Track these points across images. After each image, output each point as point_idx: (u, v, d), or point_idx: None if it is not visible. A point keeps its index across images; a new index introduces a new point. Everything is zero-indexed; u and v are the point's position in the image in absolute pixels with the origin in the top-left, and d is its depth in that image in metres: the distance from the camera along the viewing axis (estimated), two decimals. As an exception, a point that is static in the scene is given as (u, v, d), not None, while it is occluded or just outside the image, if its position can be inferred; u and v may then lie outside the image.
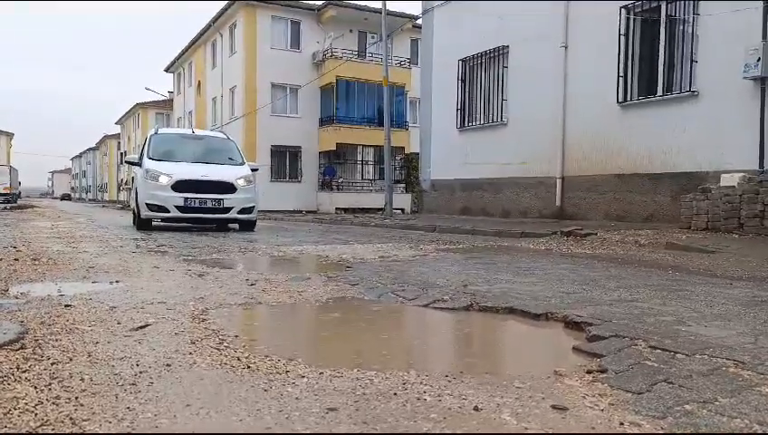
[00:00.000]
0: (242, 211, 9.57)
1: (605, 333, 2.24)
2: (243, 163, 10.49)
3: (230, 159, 10.51)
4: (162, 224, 10.29)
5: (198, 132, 12.25)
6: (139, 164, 10.15)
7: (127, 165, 11.69)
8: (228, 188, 9.49)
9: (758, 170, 7.61)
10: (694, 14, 8.67)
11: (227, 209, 9.45)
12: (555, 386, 1.68)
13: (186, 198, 9.20)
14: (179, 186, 9.23)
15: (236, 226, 10.09)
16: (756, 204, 6.88)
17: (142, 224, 9.63)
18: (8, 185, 41.27)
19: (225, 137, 11.50)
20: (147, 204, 9.29)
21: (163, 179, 9.27)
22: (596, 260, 5.18)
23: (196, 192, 9.28)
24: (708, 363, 1.85)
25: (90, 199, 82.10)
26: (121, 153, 61.10)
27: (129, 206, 40.29)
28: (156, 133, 10.86)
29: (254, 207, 9.81)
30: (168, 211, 9.21)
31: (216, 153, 10.60)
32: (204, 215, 9.47)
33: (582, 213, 10.49)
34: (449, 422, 1.40)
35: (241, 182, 9.64)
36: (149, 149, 10.16)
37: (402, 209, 21.77)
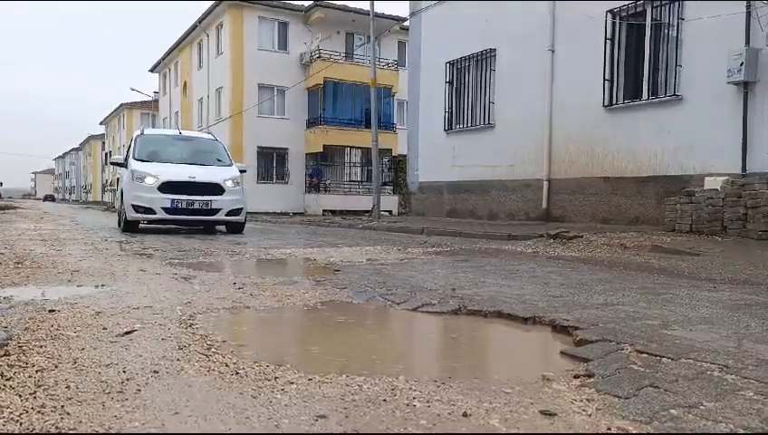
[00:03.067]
0: (230, 213, 9.39)
1: (592, 338, 2.26)
2: (231, 164, 10.32)
3: (218, 160, 10.33)
4: (148, 226, 10.15)
5: (185, 133, 12.02)
6: (124, 165, 9.95)
7: (113, 166, 11.13)
8: (216, 189, 9.32)
9: (741, 174, 7.72)
10: (678, 18, 8.78)
11: (215, 211, 9.26)
12: (543, 391, 1.69)
13: (172, 200, 8.99)
14: (166, 187, 9.03)
15: (224, 228, 9.95)
16: (739, 207, 6.98)
17: (128, 226, 9.38)
18: (-10, 186, 40.70)
19: (212, 138, 11.34)
20: (133, 205, 9.06)
21: (149, 180, 9.07)
22: (582, 263, 5.22)
23: (184, 194, 9.07)
24: (693, 367, 1.87)
25: (73, 200, 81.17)
26: (106, 154, 60.48)
27: (113, 208, 39.88)
28: (142, 134, 10.66)
29: (242, 208, 9.64)
30: (155, 213, 9.00)
31: (203, 154, 10.39)
32: (191, 217, 9.25)
33: (569, 215, 10.57)
34: (439, 429, 1.40)
35: (229, 184, 9.46)
36: (135, 149, 9.95)
37: (390, 211, 21.78)
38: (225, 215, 9.37)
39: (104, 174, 61.11)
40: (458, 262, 5.24)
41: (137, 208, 9.06)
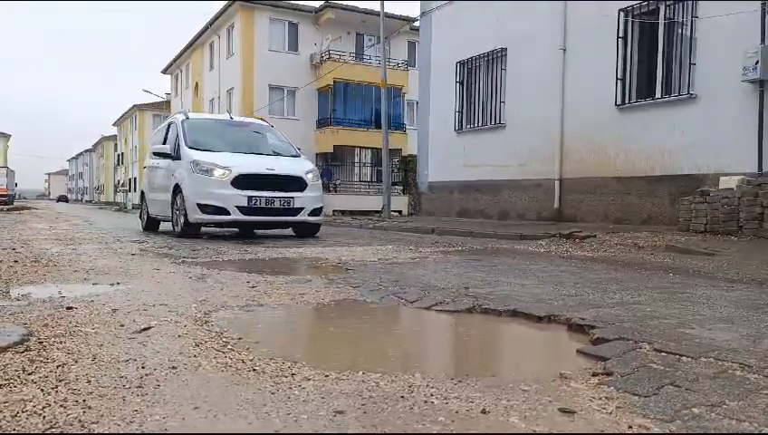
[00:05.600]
0: (312, 213, 7.98)
1: (609, 336, 2.24)
2: (299, 155, 8.84)
3: (282, 149, 8.85)
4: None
5: (237, 118, 10.09)
6: (171, 156, 8.37)
7: (154, 156, 9.06)
8: (298, 184, 7.88)
9: (756, 173, 7.64)
10: (692, 16, 8.70)
11: (297, 211, 7.79)
12: (561, 389, 1.68)
13: (250, 197, 7.46)
14: (241, 181, 7.49)
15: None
16: (755, 206, 6.90)
17: (188, 229, 7.77)
18: (5, 187, 41.31)
19: (267, 124, 9.83)
20: (199, 205, 7.45)
21: (218, 173, 7.50)
22: (596, 262, 5.19)
23: (261, 189, 7.57)
24: (714, 366, 1.85)
25: (86, 201, 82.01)
26: (118, 155, 61.02)
27: (125, 208, 39.64)
28: (187, 118, 8.87)
29: (322, 207, 8.33)
30: (228, 213, 7.45)
31: (264, 143, 8.87)
32: (270, 218, 7.76)
33: (581, 215, 10.51)
34: (458, 425, 1.40)
35: (310, 177, 8.06)
36: (186, 136, 8.27)
37: (400, 211, 21.77)
38: (308, 215, 7.93)
39: (116, 175, 61.63)
40: (470, 261, 5.23)
41: (204, 208, 7.46)
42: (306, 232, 8.37)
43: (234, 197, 7.42)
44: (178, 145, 8.26)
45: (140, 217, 10.66)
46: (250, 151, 8.35)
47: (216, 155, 7.89)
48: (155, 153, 8.94)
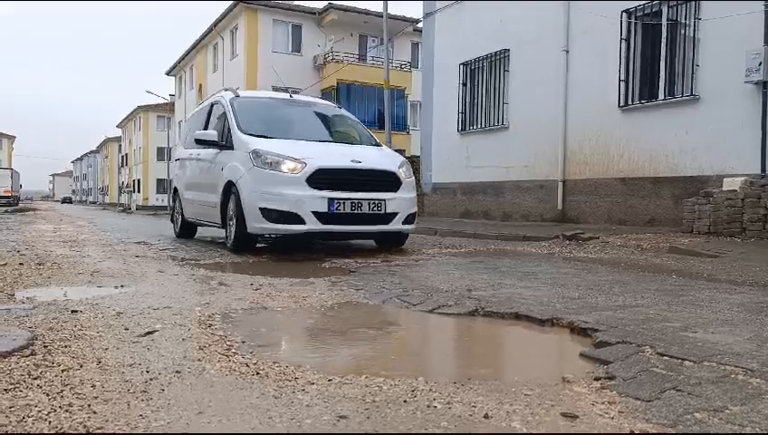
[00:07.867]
0: (407, 219, 6.17)
1: (612, 340, 2.25)
2: (380, 144, 7.15)
3: (360, 137, 7.13)
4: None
5: (298, 97, 7.98)
6: (219, 144, 6.54)
7: (198, 145, 7.01)
8: (391, 181, 6.09)
9: (760, 174, 7.61)
10: (695, 18, 8.68)
11: (389, 217, 5.95)
12: (564, 393, 1.68)
13: (331, 200, 5.60)
14: (319, 178, 5.62)
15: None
16: (759, 208, 6.89)
17: (243, 241, 5.96)
18: (9, 188, 41.48)
19: (335, 105, 8.10)
20: (261, 209, 5.62)
21: (288, 167, 5.65)
22: (599, 264, 5.18)
23: (344, 189, 5.72)
24: (717, 371, 1.85)
25: (90, 202, 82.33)
26: (122, 156, 61.21)
27: (129, 209, 39.45)
28: (238, 97, 6.99)
29: (416, 212, 6.45)
30: (303, 222, 5.55)
31: (337, 129, 7.24)
32: (356, 227, 5.89)
33: (584, 216, 10.49)
34: (460, 430, 1.40)
35: (403, 173, 6.24)
36: (237, 119, 6.44)
37: (403, 212, 21.77)
38: (402, 222, 6.10)
39: (120, 176, 61.83)
40: (473, 263, 5.23)
41: (268, 214, 5.61)
42: (392, 243, 6.62)
43: (310, 199, 5.56)
44: (228, 130, 6.47)
45: (172, 220, 9.00)
46: (321, 139, 6.63)
47: (281, 143, 6.04)
48: (197, 141, 6.91)
